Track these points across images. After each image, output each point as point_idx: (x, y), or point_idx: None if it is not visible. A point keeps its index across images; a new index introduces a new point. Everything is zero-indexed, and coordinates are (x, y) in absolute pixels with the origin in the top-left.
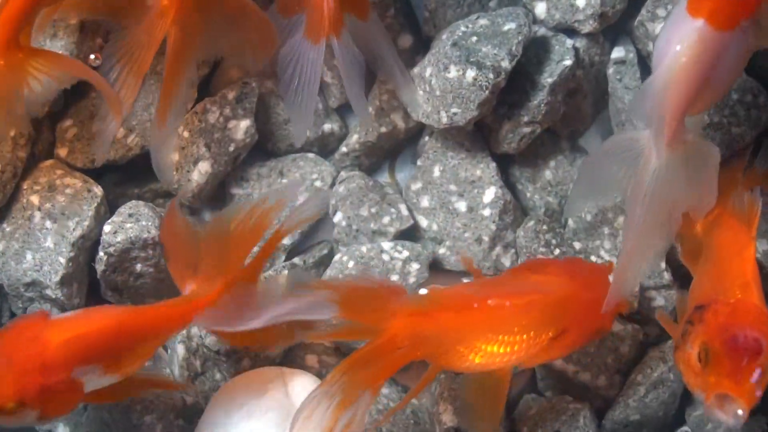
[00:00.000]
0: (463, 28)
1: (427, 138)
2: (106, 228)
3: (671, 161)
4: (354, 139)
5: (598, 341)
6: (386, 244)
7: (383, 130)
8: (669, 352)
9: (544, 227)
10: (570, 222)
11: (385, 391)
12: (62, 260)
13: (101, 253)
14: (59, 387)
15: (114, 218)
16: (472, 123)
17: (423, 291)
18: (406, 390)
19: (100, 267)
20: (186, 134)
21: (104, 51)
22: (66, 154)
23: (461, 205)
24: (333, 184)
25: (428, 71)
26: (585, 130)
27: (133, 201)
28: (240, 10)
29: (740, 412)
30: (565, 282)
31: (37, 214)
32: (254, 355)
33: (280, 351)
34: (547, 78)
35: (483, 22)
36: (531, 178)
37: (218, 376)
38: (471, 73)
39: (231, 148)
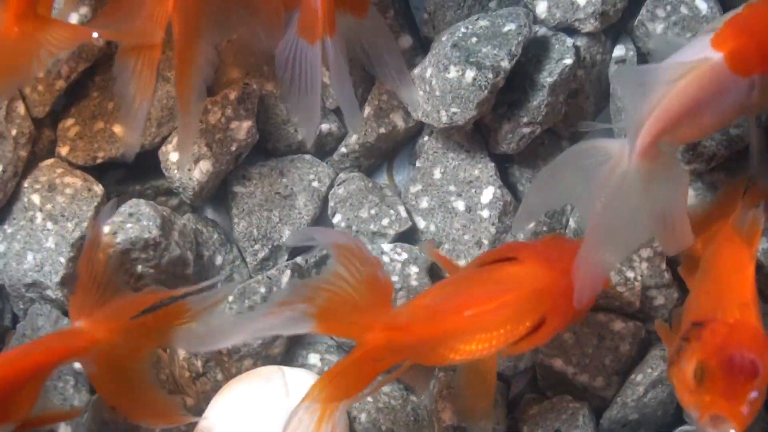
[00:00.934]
0: (463, 29)
1: (426, 138)
2: (106, 228)
3: (640, 170)
4: (353, 139)
5: (597, 341)
6: (386, 246)
7: (382, 130)
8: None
9: (544, 228)
10: (571, 222)
11: (386, 389)
12: (62, 260)
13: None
14: None
15: (114, 218)
16: (471, 123)
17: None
18: (406, 388)
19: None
20: None
21: (116, 56)
22: (67, 153)
23: (460, 206)
24: (331, 186)
25: (428, 72)
26: (586, 131)
27: (134, 200)
28: None
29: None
30: (541, 271)
31: (39, 215)
32: (256, 354)
33: (281, 350)
34: (547, 78)
35: (483, 23)
36: (531, 179)
37: (219, 376)
38: (470, 74)
39: (233, 148)
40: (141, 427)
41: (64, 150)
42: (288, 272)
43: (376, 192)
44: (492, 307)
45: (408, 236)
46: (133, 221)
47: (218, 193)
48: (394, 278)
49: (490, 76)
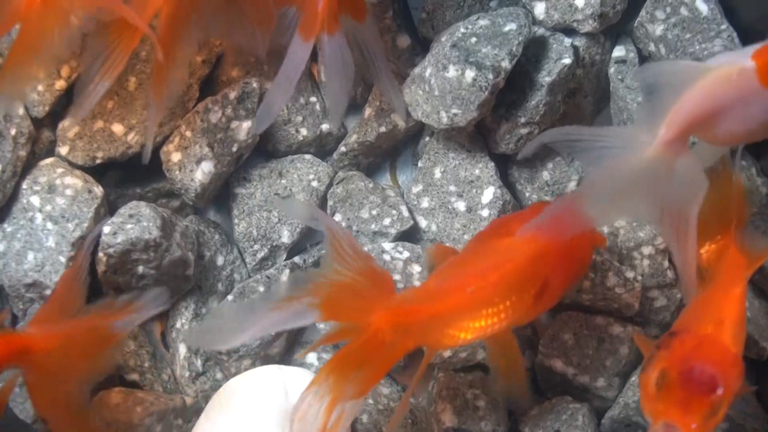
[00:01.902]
0: (462, 29)
1: (427, 138)
2: (106, 229)
3: (661, 161)
4: (353, 139)
5: (596, 343)
6: (387, 245)
7: (382, 129)
8: None
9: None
10: None
11: (385, 391)
12: (63, 260)
13: (100, 254)
14: None
15: (114, 219)
16: (472, 124)
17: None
18: (405, 389)
19: (100, 268)
20: (188, 134)
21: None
22: (67, 152)
23: (460, 205)
24: (330, 185)
25: (428, 71)
26: None
27: (134, 201)
28: None
29: None
30: (533, 236)
31: (39, 215)
32: (255, 354)
33: (280, 350)
34: (545, 77)
35: (483, 22)
36: (530, 179)
37: (219, 375)
38: (470, 74)
39: (234, 149)
40: (141, 427)
41: (63, 150)
42: (287, 271)
43: (378, 192)
44: (493, 281)
45: (409, 235)
46: (134, 222)
47: (221, 195)
48: (396, 277)
49: (491, 76)
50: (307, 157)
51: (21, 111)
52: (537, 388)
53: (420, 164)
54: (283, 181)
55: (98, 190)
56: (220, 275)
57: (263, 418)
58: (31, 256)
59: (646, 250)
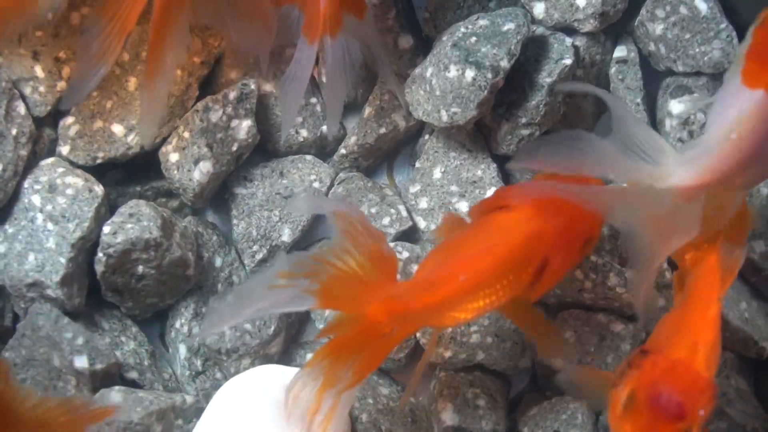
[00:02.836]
0: (462, 29)
1: (426, 137)
2: (106, 229)
3: (683, 201)
4: (352, 140)
5: (598, 341)
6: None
7: (383, 130)
8: None
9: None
10: None
11: (385, 391)
12: (63, 260)
13: (100, 254)
14: None
15: (114, 219)
16: (471, 122)
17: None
18: (405, 389)
19: (99, 268)
20: (186, 134)
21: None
22: (68, 152)
23: (462, 206)
24: (331, 185)
25: (429, 71)
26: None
27: (134, 200)
28: None
29: None
30: (532, 214)
31: (40, 216)
32: (254, 353)
33: (278, 348)
34: (546, 78)
35: (483, 22)
36: (530, 179)
37: (219, 375)
38: (470, 73)
39: (234, 148)
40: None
41: (65, 149)
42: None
43: (377, 191)
44: (486, 265)
45: (408, 236)
46: (134, 222)
47: (218, 196)
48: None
49: (490, 76)
50: (308, 157)
51: (23, 111)
52: (537, 387)
53: (417, 164)
54: (285, 181)
55: (99, 189)
56: (218, 277)
57: (263, 418)
58: (31, 256)
59: None
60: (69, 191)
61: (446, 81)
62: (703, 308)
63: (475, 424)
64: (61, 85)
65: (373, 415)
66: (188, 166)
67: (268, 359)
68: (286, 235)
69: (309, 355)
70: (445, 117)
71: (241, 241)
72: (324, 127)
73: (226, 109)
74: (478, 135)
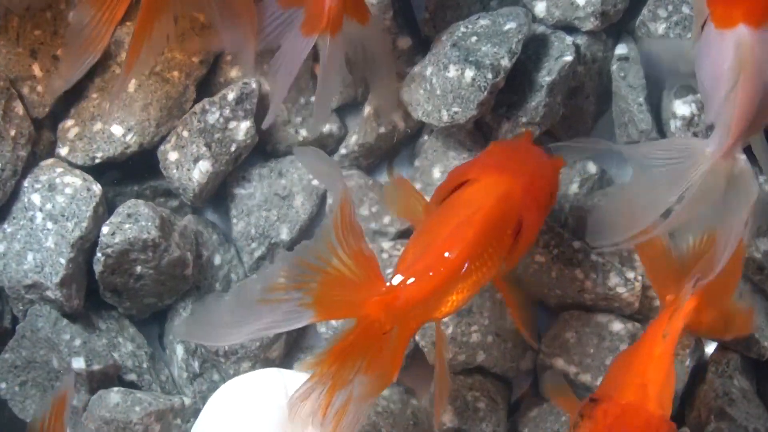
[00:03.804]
0: (462, 29)
1: (426, 137)
2: (104, 229)
3: (722, 171)
4: (353, 140)
5: (597, 341)
6: (386, 243)
7: (382, 130)
8: None
9: (543, 227)
10: (570, 221)
11: (386, 393)
12: (62, 261)
13: (99, 254)
14: None
15: (112, 219)
16: (471, 122)
17: None
18: (407, 390)
19: (98, 268)
20: (185, 134)
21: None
22: (67, 153)
23: None
24: None
25: (428, 71)
26: (586, 132)
27: (132, 200)
28: None
29: None
30: (495, 178)
31: (39, 215)
32: (254, 356)
33: (279, 352)
34: (546, 77)
35: (484, 22)
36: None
37: (216, 377)
38: (470, 73)
39: (232, 149)
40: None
41: (63, 150)
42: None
43: (377, 190)
44: (469, 236)
45: (408, 235)
46: (132, 222)
47: (218, 194)
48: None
49: (490, 75)
50: (310, 148)
51: (21, 111)
52: (538, 389)
53: (417, 163)
54: (283, 181)
55: (97, 188)
56: (217, 275)
57: (263, 422)
58: (30, 257)
59: None
60: (68, 190)
61: (446, 81)
62: (649, 347)
63: (476, 426)
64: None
65: (373, 418)
66: (188, 165)
67: (268, 363)
68: (285, 234)
69: (310, 358)
70: (445, 117)
71: (240, 239)
72: (324, 127)
73: (223, 112)
74: (477, 134)
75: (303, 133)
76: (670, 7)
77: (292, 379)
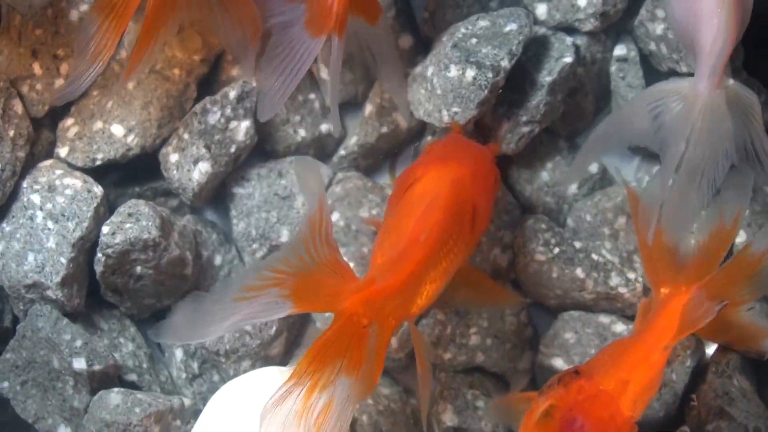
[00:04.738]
0: (463, 30)
1: (429, 138)
2: (105, 229)
3: (721, 101)
4: (353, 141)
5: (599, 342)
6: None
7: (384, 130)
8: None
9: (543, 226)
10: (569, 221)
11: (385, 391)
12: (63, 261)
13: (99, 254)
14: None
15: (113, 219)
16: (472, 122)
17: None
18: (407, 390)
19: (98, 268)
20: (186, 136)
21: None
22: (66, 154)
23: None
24: (329, 186)
25: (430, 71)
26: (585, 129)
27: (133, 200)
28: None
29: None
30: (441, 170)
31: (39, 214)
32: (254, 355)
33: (280, 350)
34: (546, 77)
35: (483, 23)
36: (529, 179)
37: (216, 377)
38: (471, 73)
39: (232, 149)
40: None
41: (63, 151)
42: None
43: (377, 192)
44: (435, 220)
45: None
46: (132, 221)
47: (218, 194)
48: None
49: (490, 75)
50: (307, 158)
51: (20, 110)
52: (537, 389)
53: None
54: (283, 182)
55: (98, 189)
56: (218, 275)
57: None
58: (31, 257)
59: None
60: (68, 191)
61: (447, 80)
62: (648, 350)
63: (476, 424)
64: (59, 82)
65: (374, 416)
66: (188, 166)
67: (269, 361)
68: (285, 236)
69: None
70: (446, 117)
71: (241, 240)
72: (323, 126)
73: (224, 111)
74: (477, 135)
75: (302, 132)
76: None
77: None
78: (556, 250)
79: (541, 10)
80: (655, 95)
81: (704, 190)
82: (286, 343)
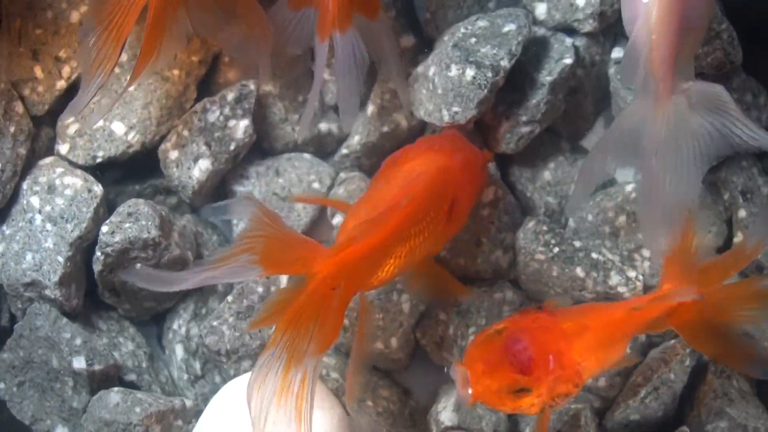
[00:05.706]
0: (463, 30)
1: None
2: (104, 228)
3: (678, 108)
4: (355, 140)
5: None
6: None
7: (385, 129)
8: (670, 352)
9: (544, 227)
10: (570, 222)
11: (385, 393)
12: (61, 260)
13: (98, 253)
14: None
15: (112, 218)
16: (472, 122)
17: None
18: (406, 391)
19: (97, 267)
20: (186, 133)
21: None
22: (67, 151)
23: None
24: (331, 186)
25: (431, 70)
26: (586, 131)
27: (133, 199)
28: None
29: (466, 391)
30: (431, 155)
31: (38, 216)
32: (255, 355)
33: None
34: (546, 76)
35: (482, 23)
36: (531, 178)
37: (218, 378)
38: (470, 72)
39: (231, 147)
40: (141, 428)
41: (63, 148)
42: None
43: None
44: (414, 193)
45: None
46: (132, 221)
47: (217, 193)
48: None
49: (490, 74)
50: (307, 156)
51: (21, 110)
52: None
53: None
54: (281, 180)
55: (98, 189)
56: None
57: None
58: (29, 256)
59: (647, 252)
60: (68, 192)
61: (448, 80)
62: (616, 308)
63: (475, 424)
64: (61, 84)
65: (374, 418)
66: (188, 163)
67: None
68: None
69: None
70: (446, 116)
71: None
72: (322, 125)
73: (223, 110)
74: (477, 134)
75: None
76: None
77: None
78: (556, 249)
79: (541, 10)
80: (621, 123)
81: (688, 189)
82: None
